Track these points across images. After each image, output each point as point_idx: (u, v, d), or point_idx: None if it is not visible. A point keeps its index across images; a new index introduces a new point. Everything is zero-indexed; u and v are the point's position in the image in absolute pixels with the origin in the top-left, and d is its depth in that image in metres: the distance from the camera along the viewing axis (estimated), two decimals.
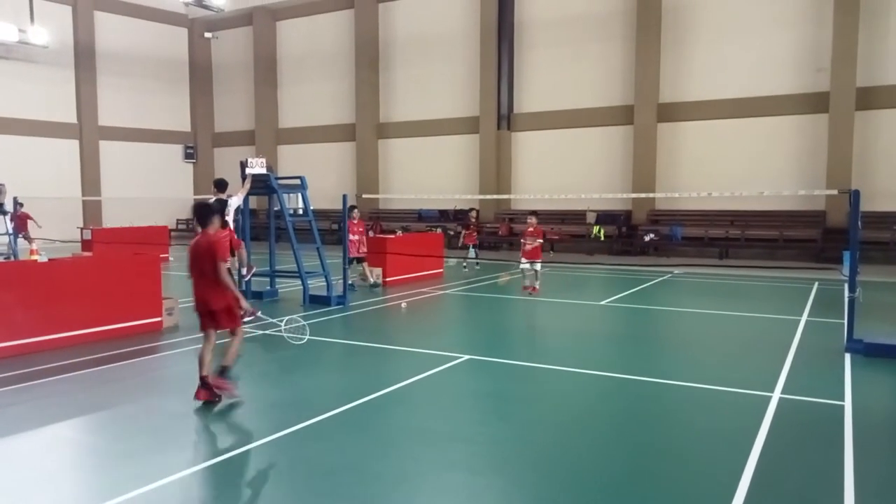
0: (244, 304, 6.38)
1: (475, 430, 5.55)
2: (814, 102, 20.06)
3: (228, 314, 6.18)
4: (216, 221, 6.43)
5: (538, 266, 12.38)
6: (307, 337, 6.27)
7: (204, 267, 6.08)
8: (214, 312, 6.13)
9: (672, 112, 22.05)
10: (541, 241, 12.39)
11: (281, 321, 6.97)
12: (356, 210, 13.65)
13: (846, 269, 8.46)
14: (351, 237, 12.98)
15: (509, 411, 6.14)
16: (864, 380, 6.89)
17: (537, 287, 12.50)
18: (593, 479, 4.58)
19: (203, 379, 6.09)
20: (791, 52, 20.39)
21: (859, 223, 8.26)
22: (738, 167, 20.88)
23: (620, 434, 5.53)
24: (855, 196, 8.16)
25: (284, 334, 6.25)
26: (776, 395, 6.34)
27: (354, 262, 13.24)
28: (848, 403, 6.08)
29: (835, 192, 15.44)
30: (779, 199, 20.43)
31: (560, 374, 7.32)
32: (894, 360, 7.58)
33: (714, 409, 6.13)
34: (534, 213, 12.86)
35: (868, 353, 7.78)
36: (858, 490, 4.30)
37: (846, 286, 8.37)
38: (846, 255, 18.10)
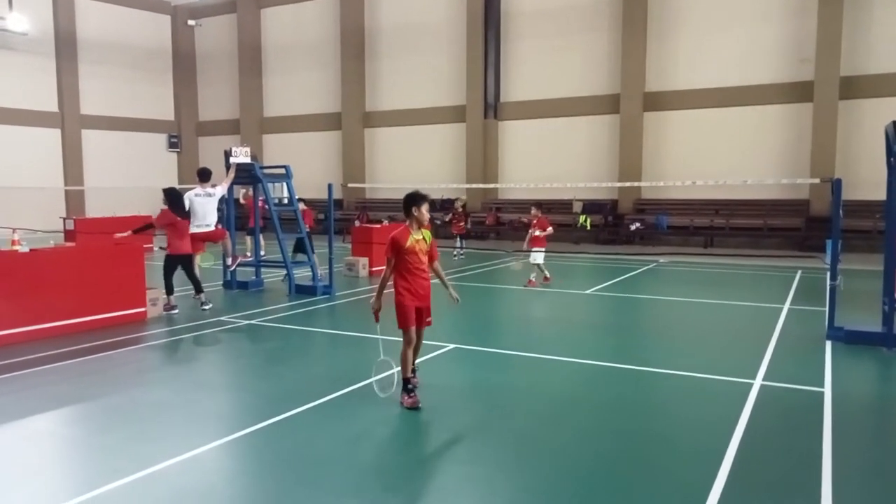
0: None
1: (460, 419, 5.57)
2: (798, 92, 20.19)
3: None
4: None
5: (540, 258, 12.44)
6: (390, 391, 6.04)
7: None
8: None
9: (658, 101, 22.10)
10: (540, 232, 12.38)
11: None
12: (303, 202, 13.71)
13: (829, 258, 8.53)
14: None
15: (494, 399, 6.16)
16: (843, 367, 6.98)
17: (534, 279, 12.60)
18: (577, 464, 4.61)
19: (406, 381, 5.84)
20: (776, 43, 20.48)
21: (841, 212, 8.32)
22: (723, 156, 21.01)
23: (604, 420, 5.57)
24: (837, 185, 8.23)
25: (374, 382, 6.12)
26: (758, 382, 6.41)
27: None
28: (828, 390, 6.15)
29: (817, 180, 15.56)
30: (763, 188, 20.58)
31: (545, 362, 7.35)
32: (874, 347, 7.68)
33: (697, 396, 6.18)
34: (538, 204, 12.89)
35: (848, 340, 7.88)
36: (836, 474, 4.37)
37: (828, 274, 8.45)
38: (829, 244, 18.40)
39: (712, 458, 4.60)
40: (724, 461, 4.56)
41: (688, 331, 9.30)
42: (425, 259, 5.85)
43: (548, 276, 12.68)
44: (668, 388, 6.52)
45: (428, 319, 5.98)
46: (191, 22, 31.91)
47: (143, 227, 10.52)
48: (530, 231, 12.52)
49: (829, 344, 7.87)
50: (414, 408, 5.62)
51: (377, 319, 5.86)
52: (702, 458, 4.65)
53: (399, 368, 5.87)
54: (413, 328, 5.81)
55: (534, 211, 12.63)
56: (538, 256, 12.41)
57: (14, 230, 10.01)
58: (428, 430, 5.35)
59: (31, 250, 8.77)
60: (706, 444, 4.94)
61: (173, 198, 10.36)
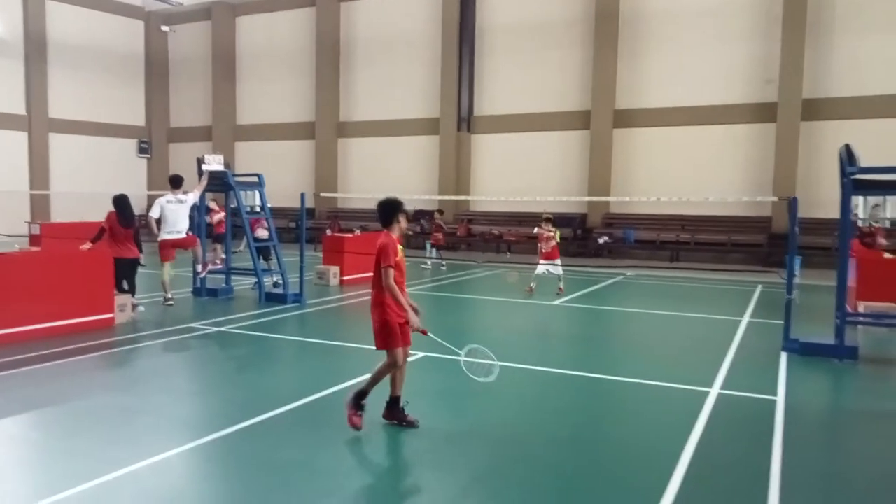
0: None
1: (428, 425, 5.68)
2: (763, 112, 20.81)
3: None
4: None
5: (559, 269, 13.00)
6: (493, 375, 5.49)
7: None
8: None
9: (628, 118, 22.59)
10: (555, 242, 13.00)
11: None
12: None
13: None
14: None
15: (462, 406, 6.30)
16: (797, 377, 7.26)
17: (562, 287, 13.07)
18: (539, 468, 4.76)
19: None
20: (742, 64, 21.10)
21: (797, 229, 8.67)
22: (690, 173, 21.51)
23: (567, 426, 5.74)
24: (793, 203, 8.57)
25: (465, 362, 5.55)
26: (715, 390, 6.65)
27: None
28: (781, 399, 6.41)
29: (775, 199, 16.05)
30: (728, 205, 21.12)
31: (512, 370, 7.49)
32: (826, 358, 7.99)
33: (655, 403, 6.40)
34: (548, 219, 13.23)
35: (803, 352, 8.19)
36: (784, 478, 4.59)
37: (796, 289, 8.77)
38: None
39: (667, 464, 4.79)
40: (678, 466, 4.75)
41: (650, 341, 9.56)
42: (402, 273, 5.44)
43: (561, 287, 13.08)
44: (630, 396, 6.72)
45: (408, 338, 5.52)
46: (165, 28, 31.70)
47: (100, 232, 10.20)
48: (540, 245, 13.06)
49: (784, 355, 8.16)
50: (355, 429, 5.27)
51: (426, 332, 5.42)
52: (656, 464, 4.83)
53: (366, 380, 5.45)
54: (401, 348, 5.37)
55: (537, 229, 13.08)
56: (554, 269, 12.90)
57: None
58: (397, 435, 5.45)
59: None
60: (662, 449, 5.12)
61: (119, 205, 10.29)
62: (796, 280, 12.71)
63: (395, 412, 5.54)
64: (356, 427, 5.28)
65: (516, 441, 5.33)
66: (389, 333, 5.31)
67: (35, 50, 27.75)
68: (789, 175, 20.22)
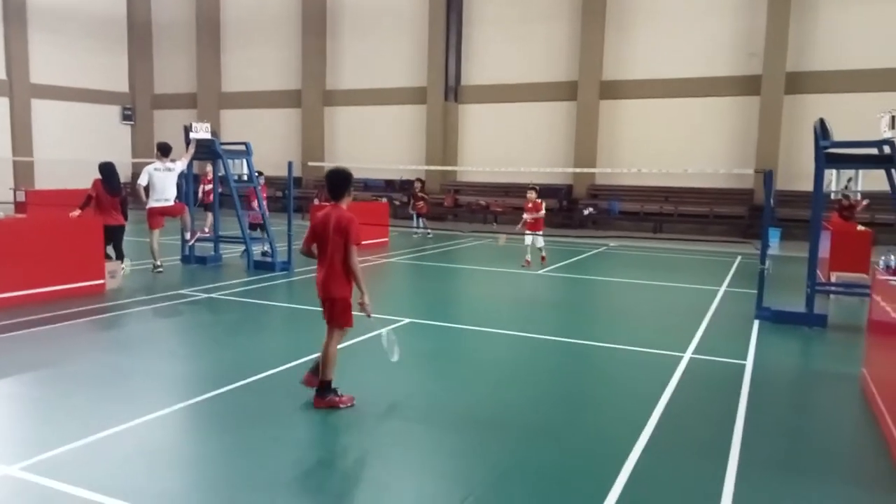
0: None
1: (412, 386, 5.94)
2: (747, 85, 20.99)
3: None
4: None
5: (540, 240, 13.04)
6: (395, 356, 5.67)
7: None
8: None
9: (614, 90, 22.69)
10: (540, 213, 12.95)
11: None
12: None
13: (770, 245, 9.15)
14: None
15: (445, 369, 6.56)
16: (766, 343, 7.59)
17: (545, 257, 13.15)
18: (518, 426, 5.03)
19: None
20: (727, 37, 21.21)
21: (772, 201, 8.92)
22: (675, 145, 21.73)
23: (545, 388, 6.02)
24: (768, 176, 8.82)
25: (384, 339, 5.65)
26: (687, 355, 6.95)
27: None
28: (749, 362, 6.73)
29: (751, 171, 16.30)
30: (710, 177, 21.40)
31: (494, 336, 7.78)
32: (797, 326, 8.33)
33: (631, 367, 6.70)
34: (533, 188, 13.28)
35: (775, 320, 8.51)
36: (746, 434, 4.90)
37: (759, 259, 9.07)
38: (770, 232, 19.32)
39: (638, 419, 5.08)
40: (648, 422, 5.05)
41: (628, 309, 9.87)
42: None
43: (544, 256, 13.20)
44: (607, 360, 7.02)
45: None
46: None
47: (86, 200, 10.26)
48: (525, 215, 12.98)
49: (756, 323, 8.49)
50: (336, 407, 5.15)
51: (370, 314, 5.29)
52: (629, 419, 5.13)
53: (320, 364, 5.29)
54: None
55: (530, 194, 12.97)
56: (538, 240, 12.96)
57: None
58: (378, 394, 5.68)
59: None
60: (636, 406, 5.42)
61: (105, 173, 10.37)
62: (774, 251, 13.07)
63: (329, 398, 5.27)
64: (351, 401, 5.21)
65: (496, 400, 5.59)
66: (349, 310, 5.24)
67: (14, 13, 27.23)
68: (772, 148, 20.50)
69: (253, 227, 13.59)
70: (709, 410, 5.48)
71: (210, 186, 14.60)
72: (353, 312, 5.30)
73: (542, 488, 4.01)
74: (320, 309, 5.40)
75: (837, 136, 8.52)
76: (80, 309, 8.53)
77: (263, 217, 13.05)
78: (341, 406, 5.19)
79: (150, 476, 4.10)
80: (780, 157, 20.40)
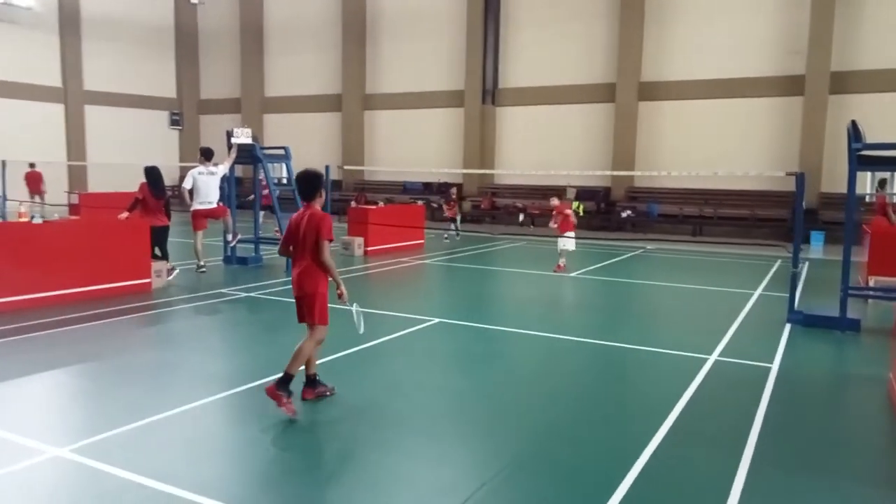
0: None
1: (438, 383, 6.15)
2: (789, 85, 20.62)
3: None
4: None
5: (563, 244, 12.62)
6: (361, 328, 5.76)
7: None
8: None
9: (653, 91, 22.53)
10: (568, 214, 12.58)
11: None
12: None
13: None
14: None
15: (472, 368, 6.75)
16: (796, 346, 7.56)
17: (561, 265, 12.75)
18: (540, 423, 5.19)
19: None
20: (769, 35, 20.87)
21: (804, 204, 8.87)
22: (715, 147, 21.47)
23: (569, 387, 6.16)
24: (800, 179, 8.76)
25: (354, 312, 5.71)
26: (713, 357, 6.99)
27: None
28: (775, 366, 6.73)
29: (783, 174, 16.01)
30: (751, 180, 21.08)
31: (522, 336, 7.93)
32: (827, 329, 8.25)
33: (655, 368, 6.78)
34: (557, 195, 13.30)
35: (806, 323, 8.45)
36: (763, 430, 4.98)
37: (804, 263, 8.99)
38: (814, 235, 18.95)
39: (658, 415, 5.20)
40: (667, 418, 5.16)
41: (659, 312, 9.89)
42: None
43: (561, 263, 12.79)
44: (629, 361, 7.12)
45: None
46: (194, 0, 32.11)
47: (134, 202, 10.67)
48: (551, 223, 12.80)
49: (788, 326, 8.44)
50: (292, 414, 5.10)
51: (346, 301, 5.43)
52: (649, 416, 5.24)
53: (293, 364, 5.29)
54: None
55: (554, 201, 12.75)
56: (569, 243, 12.63)
57: (21, 203, 10.53)
58: (406, 391, 5.90)
59: (44, 222, 9.32)
60: (655, 404, 5.53)
61: (151, 176, 10.80)
62: (817, 255, 12.83)
63: (317, 388, 5.52)
64: (292, 413, 5.11)
65: (520, 398, 5.76)
66: (325, 306, 5.33)
67: (69, 23, 28.44)
68: (815, 150, 20.09)
69: None
70: (728, 409, 5.55)
71: (267, 191, 15.00)
72: (361, 320, 5.59)
73: (556, 479, 4.17)
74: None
75: (886, 137, 8.42)
76: (129, 306, 9.00)
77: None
78: (280, 407, 5.08)
79: (189, 461, 4.40)
80: (824, 159, 19.98)
